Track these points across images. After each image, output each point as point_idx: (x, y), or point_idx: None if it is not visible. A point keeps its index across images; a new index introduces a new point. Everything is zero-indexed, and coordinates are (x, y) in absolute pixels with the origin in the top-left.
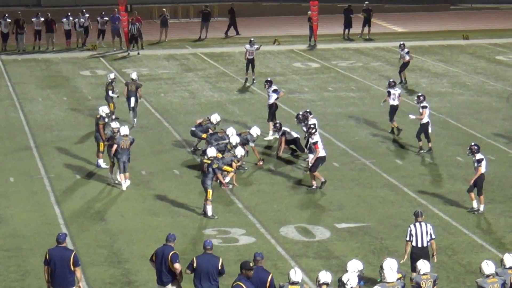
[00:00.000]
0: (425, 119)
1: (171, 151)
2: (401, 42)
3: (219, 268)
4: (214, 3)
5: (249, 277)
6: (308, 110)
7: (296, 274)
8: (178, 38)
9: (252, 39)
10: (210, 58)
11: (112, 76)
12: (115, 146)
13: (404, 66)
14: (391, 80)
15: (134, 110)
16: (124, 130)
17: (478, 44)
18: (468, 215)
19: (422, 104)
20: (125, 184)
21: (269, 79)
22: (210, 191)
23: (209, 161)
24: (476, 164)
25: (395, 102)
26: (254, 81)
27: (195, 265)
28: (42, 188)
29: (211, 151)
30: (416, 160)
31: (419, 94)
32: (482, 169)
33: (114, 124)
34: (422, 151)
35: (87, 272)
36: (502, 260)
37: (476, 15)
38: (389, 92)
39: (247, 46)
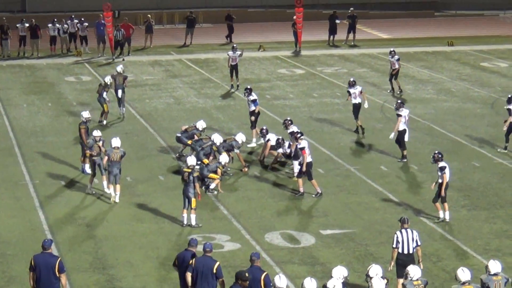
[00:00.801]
0: (401, 127)
1: (156, 157)
2: (392, 49)
3: (214, 271)
4: (199, 9)
5: (244, 287)
6: (288, 118)
7: (281, 280)
8: (163, 44)
9: (234, 45)
10: (195, 64)
11: (108, 80)
12: (105, 158)
13: (396, 74)
14: (351, 79)
15: (121, 101)
16: (116, 142)
17: (462, 50)
18: (453, 221)
19: (397, 112)
20: (117, 196)
21: (248, 87)
22: (194, 200)
23: (189, 170)
24: (440, 173)
25: (357, 100)
26: (238, 87)
27: (193, 266)
28: (27, 194)
29: (191, 160)
30: (401, 167)
31: (398, 101)
32: (447, 176)
33: (96, 133)
34: (405, 159)
35: (72, 278)
36: (487, 267)
37: (461, 21)
38: (349, 92)
39: (230, 52)
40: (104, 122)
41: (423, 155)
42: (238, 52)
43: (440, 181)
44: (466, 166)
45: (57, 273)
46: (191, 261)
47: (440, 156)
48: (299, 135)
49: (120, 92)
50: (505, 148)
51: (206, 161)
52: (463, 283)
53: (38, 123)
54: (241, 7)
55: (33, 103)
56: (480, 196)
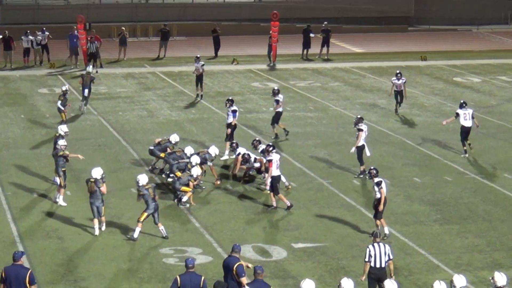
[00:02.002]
0: (360, 142)
1: (128, 169)
2: (398, 71)
3: (201, 285)
4: (173, 22)
5: None
6: (257, 139)
7: None
8: (136, 56)
9: (197, 56)
10: (169, 77)
11: (64, 88)
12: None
13: (401, 94)
14: (276, 88)
15: (86, 99)
16: (96, 172)
17: (436, 65)
18: (425, 235)
19: (358, 127)
20: (100, 228)
21: (230, 98)
22: (145, 214)
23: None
24: (376, 188)
25: (280, 109)
26: (202, 97)
27: (179, 283)
28: None
29: (143, 179)
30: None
31: (358, 116)
32: (385, 191)
33: (62, 142)
34: (365, 172)
35: None
36: (451, 281)
37: (434, 36)
38: (277, 101)
39: (195, 63)
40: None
41: (396, 170)
42: (201, 63)
43: (378, 196)
44: (438, 181)
45: (27, 285)
46: (176, 279)
47: (375, 172)
48: (270, 148)
49: (86, 91)
50: (465, 152)
51: (178, 174)
52: None
53: (10, 135)
54: (215, 20)
55: (5, 114)
56: (452, 211)
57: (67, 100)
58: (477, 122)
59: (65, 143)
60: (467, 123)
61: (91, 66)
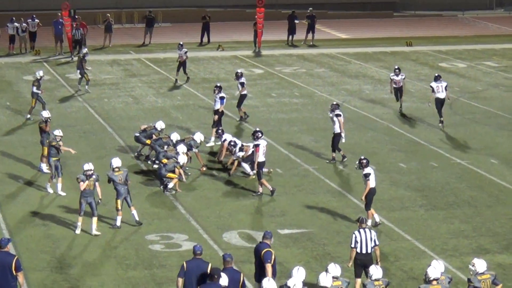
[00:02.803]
0: (337, 129)
1: (114, 156)
2: (396, 67)
3: (208, 272)
4: (158, 9)
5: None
6: (258, 129)
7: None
8: (122, 43)
9: (180, 43)
10: (154, 63)
11: (40, 73)
12: (81, 184)
13: (400, 91)
14: (238, 71)
15: (79, 80)
16: (116, 162)
17: (421, 51)
18: (411, 221)
19: (336, 112)
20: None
21: (218, 84)
22: (118, 201)
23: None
24: (365, 178)
25: (245, 92)
26: (188, 80)
27: (185, 269)
28: None
29: (116, 162)
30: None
31: (333, 103)
32: (371, 183)
33: (58, 132)
34: (334, 161)
35: (29, 278)
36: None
37: (419, 22)
38: (242, 83)
39: (178, 51)
40: (28, 116)
41: (382, 155)
42: (184, 50)
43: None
44: (424, 166)
45: (14, 271)
46: (183, 266)
47: (366, 162)
48: (259, 134)
49: (78, 72)
50: (442, 122)
51: (165, 160)
52: (432, 281)
53: None
54: (200, 6)
55: None
56: (438, 196)
57: (40, 86)
58: (448, 95)
59: (61, 134)
60: (441, 94)
61: (86, 49)
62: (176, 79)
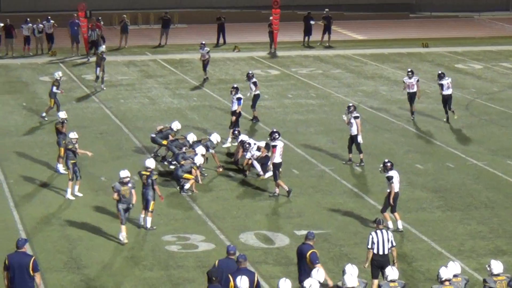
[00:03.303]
0: (355, 131)
1: (130, 157)
2: (409, 69)
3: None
4: (174, 10)
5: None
6: (275, 130)
7: (242, 282)
8: (138, 44)
9: (202, 42)
10: (170, 64)
11: (58, 75)
12: (115, 195)
13: (412, 97)
14: (250, 72)
15: (98, 78)
16: (124, 173)
17: (437, 52)
18: (428, 222)
19: (355, 115)
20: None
21: (235, 85)
22: (152, 203)
23: (147, 173)
24: (388, 182)
25: (258, 92)
26: (206, 80)
27: (217, 264)
28: (1, 193)
29: (150, 162)
30: (375, 167)
31: (350, 104)
32: (395, 187)
33: (72, 135)
34: (350, 162)
35: (46, 278)
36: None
37: (435, 23)
38: (255, 83)
39: (200, 50)
40: (44, 114)
41: (398, 156)
42: (206, 49)
43: (388, 190)
44: (440, 167)
45: (31, 272)
46: (215, 264)
47: (390, 165)
48: (276, 135)
49: (98, 69)
50: (447, 119)
51: (182, 161)
52: (444, 281)
53: (12, 123)
54: (216, 7)
55: (7, 102)
56: (455, 197)
57: (60, 86)
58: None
59: (76, 136)
60: (449, 91)
61: (103, 46)
62: (206, 78)
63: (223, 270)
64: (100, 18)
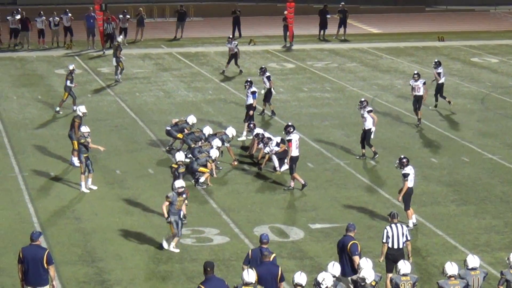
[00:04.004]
0: (371, 126)
1: (145, 150)
2: (415, 72)
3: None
4: (190, 3)
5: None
6: (290, 124)
7: (249, 275)
8: (153, 37)
9: (230, 36)
10: (185, 57)
11: (71, 67)
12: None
13: (419, 101)
14: (263, 66)
15: (116, 68)
16: (179, 183)
17: (453, 46)
18: (442, 216)
19: (369, 108)
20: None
21: (249, 79)
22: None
23: (176, 166)
24: (403, 178)
25: (269, 86)
26: (241, 72)
27: (250, 257)
28: (16, 186)
29: (179, 156)
30: (390, 161)
31: (362, 99)
32: (409, 183)
33: (84, 129)
34: (364, 157)
35: (60, 271)
36: (465, 261)
37: (451, 17)
38: (269, 77)
39: (228, 44)
40: (58, 108)
41: (413, 150)
42: (235, 43)
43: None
44: (455, 161)
45: (45, 265)
46: (248, 254)
47: (406, 161)
48: (291, 129)
49: (114, 60)
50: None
51: (203, 155)
52: (450, 277)
53: (28, 116)
54: (232, 1)
55: (23, 95)
56: (470, 191)
57: (73, 79)
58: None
59: (88, 130)
60: (443, 79)
61: (121, 37)
62: (224, 70)
63: (256, 260)
64: (125, 11)
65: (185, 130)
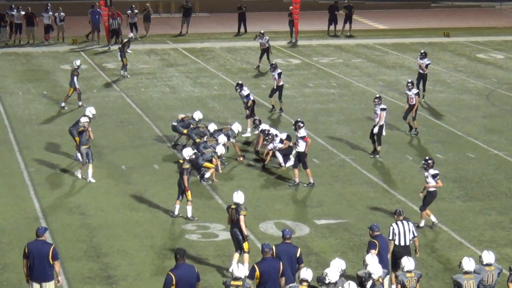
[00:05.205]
0: (381, 122)
1: (151, 145)
2: (409, 80)
3: (297, 256)
4: None
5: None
6: (299, 120)
7: (239, 270)
8: (159, 33)
9: (261, 32)
10: (191, 53)
11: (78, 63)
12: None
13: (410, 109)
14: (273, 63)
15: (123, 65)
16: (238, 197)
17: (459, 41)
18: (448, 212)
19: (382, 106)
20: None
21: (239, 82)
22: (189, 191)
23: (182, 161)
24: (433, 179)
25: (281, 83)
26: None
27: (275, 253)
28: (22, 181)
29: (185, 152)
30: (396, 157)
31: (377, 95)
32: (441, 182)
33: (84, 119)
34: (377, 152)
35: (66, 266)
36: (480, 257)
37: (457, 12)
38: (280, 74)
39: (259, 39)
40: (63, 104)
41: (418, 146)
42: (266, 38)
43: (432, 189)
44: (461, 157)
45: (50, 260)
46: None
47: (432, 163)
48: (301, 125)
49: (118, 55)
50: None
51: (209, 150)
52: (465, 272)
53: (33, 111)
54: None
55: (28, 91)
56: (475, 187)
57: (79, 75)
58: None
59: (88, 120)
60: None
61: (131, 34)
62: (258, 66)
63: (282, 256)
64: (134, 6)
65: (191, 125)
